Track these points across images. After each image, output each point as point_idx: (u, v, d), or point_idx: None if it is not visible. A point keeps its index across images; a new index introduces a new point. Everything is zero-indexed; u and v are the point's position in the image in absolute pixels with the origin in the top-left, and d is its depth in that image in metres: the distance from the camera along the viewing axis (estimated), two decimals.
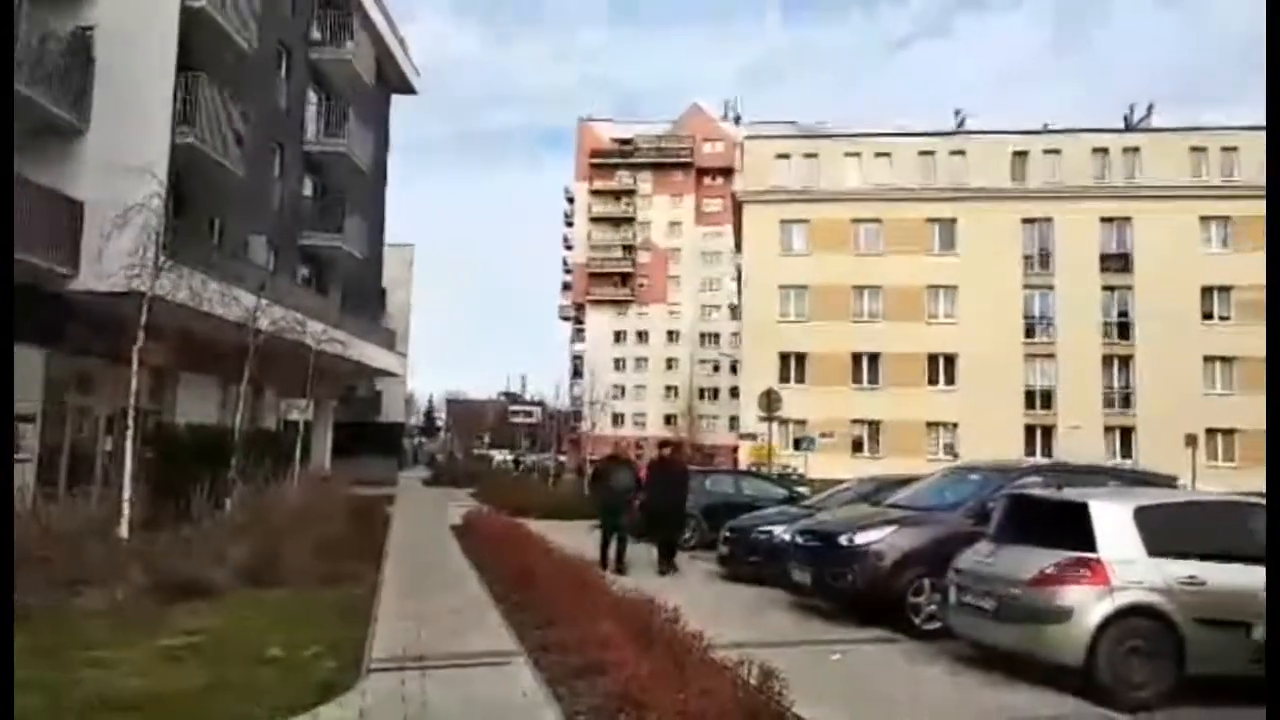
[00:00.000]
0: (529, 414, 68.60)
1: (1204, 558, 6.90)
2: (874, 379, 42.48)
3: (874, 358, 42.42)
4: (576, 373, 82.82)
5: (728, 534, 13.24)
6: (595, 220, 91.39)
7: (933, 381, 42.06)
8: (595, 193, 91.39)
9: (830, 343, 41.96)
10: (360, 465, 32.86)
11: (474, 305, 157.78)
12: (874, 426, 41.81)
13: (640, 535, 13.88)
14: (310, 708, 5.72)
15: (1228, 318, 40.62)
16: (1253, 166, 41.40)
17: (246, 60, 20.67)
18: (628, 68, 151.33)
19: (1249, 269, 39.18)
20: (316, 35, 28.08)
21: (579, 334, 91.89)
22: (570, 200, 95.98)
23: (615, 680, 5.45)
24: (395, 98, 36.38)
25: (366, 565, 12.16)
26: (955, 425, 40.91)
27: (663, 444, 14.33)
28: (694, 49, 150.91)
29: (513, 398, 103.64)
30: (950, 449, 39.48)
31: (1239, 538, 7.14)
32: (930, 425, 41.33)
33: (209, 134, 18.62)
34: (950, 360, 41.94)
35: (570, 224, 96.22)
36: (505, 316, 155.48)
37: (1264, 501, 8.68)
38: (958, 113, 48.92)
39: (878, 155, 44.04)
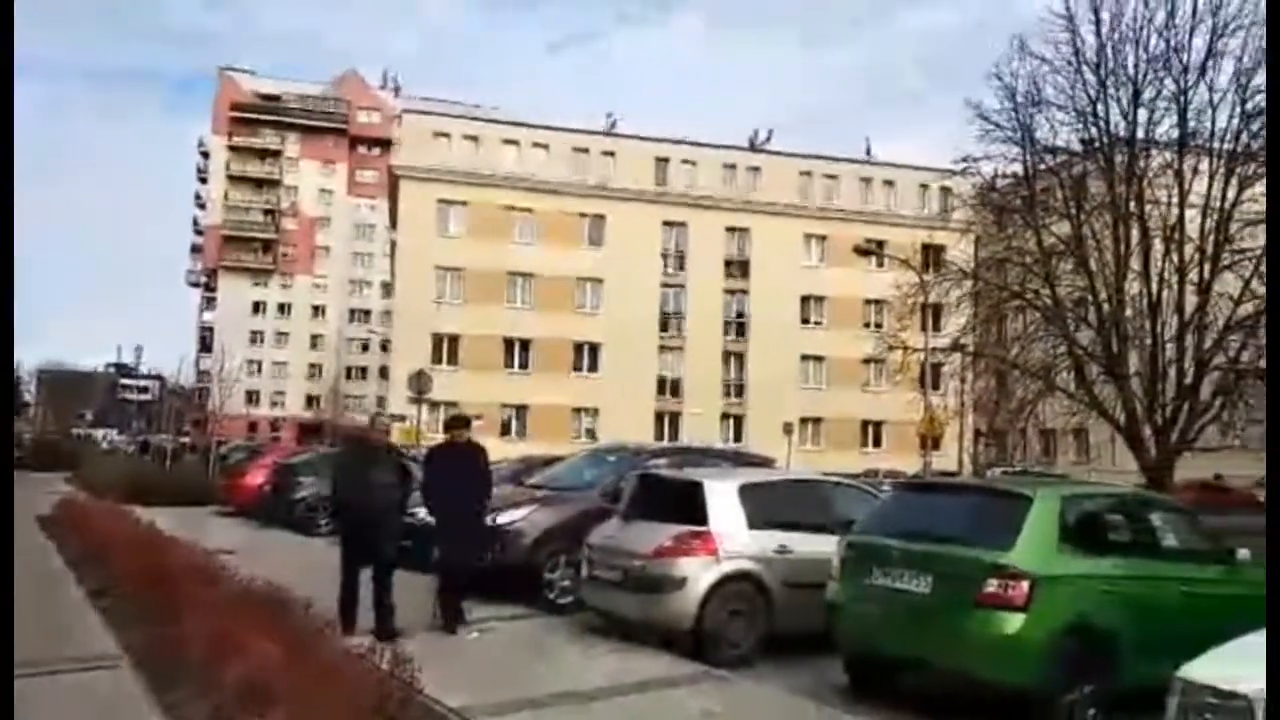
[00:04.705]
0: (144, 389, 60.93)
1: (792, 529, 7.94)
2: (524, 364, 43.64)
3: (525, 343, 43.56)
4: (205, 345, 75.16)
5: None
6: (233, 179, 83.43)
7: (578, 369, 44.20)
8: (235, 149, 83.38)
9: (483, 327, 42.34)
10: None
11: (79, 262, 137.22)
12: (522, 410, 42.93)
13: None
14: None
15: (820, 323, 47.28)
16: (850, 194, 48.59)
17: None
18: (278, 18, 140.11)
19: (839, 282, 45.96)
20: None
21: (210, 302, 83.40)
22: (205, 155, 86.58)
23: (235, 678, 5.09)
24: None
25: None
26: (597, 410, 43.31)
27: (452, 421, 8.90)
28: (356, 12, 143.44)
29: (124, 370, 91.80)
30: (591, 432, 41.71)
31: (820, 512, 8.33)
32: (575, 410, 43.35)
33: None
34: (595, 349, 44.32)
35: (204, 181, 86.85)
36: (119, 278, 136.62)
37: (841, 479, 10.27)
38: (609, 115, 51.64)
39: (535, 146, 45.16)
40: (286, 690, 4.70)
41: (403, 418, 33.17)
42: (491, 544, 8.61)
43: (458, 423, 8.78)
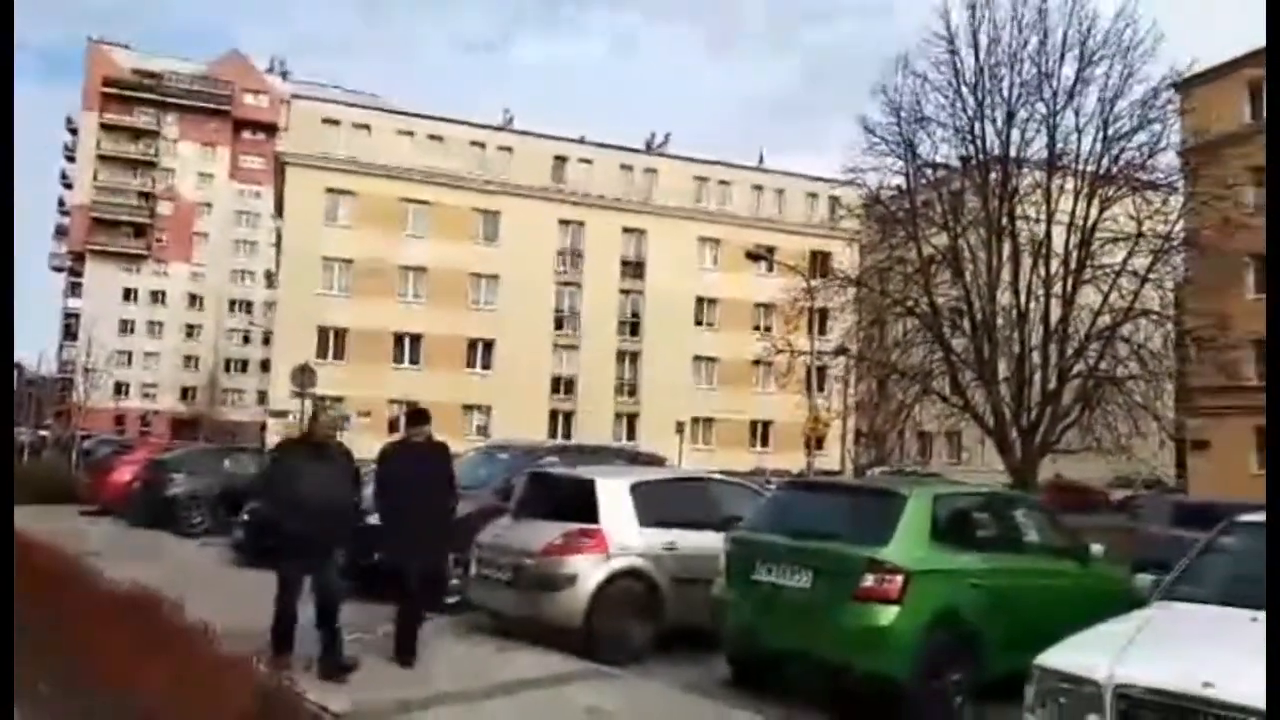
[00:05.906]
0: None
1: (682, 526, 8.05)
2: (415, 360, 42.77)
3: (416, 339, 42.70)
4: (70, 333, 70.70)
5: (246, 516, 12.42)
6: (105, 159, 78.71)
7: (471, 365, 43.65)
8: (107, 128, 78.67)
9: (372, 320, 41.31)
10: None
11: None
12: (411, 406, 42.01)
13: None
14: None
15: (713, 325, 48.06)
16: (742, 200, 49.55)
17: None
18: None
19: (732, 285, 46.85)
20: None
21: (75, 288, 78.44)
22: (73, 132, 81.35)
23: (99, 685, 4.85)
24: None
25: None
26: (490, 408, 42.83)
27: (412, 413, 7.86)
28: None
29: None
30: (484, 430, 41.21)
31: (709, 509, 8.48)
32: (467, 407, 42.74)
33: None
34: (488, 346, 43.82)
35: (72, 159, 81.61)
36: None
37: (729, 478, 10.50)
38: (506, 111, 51.20)
39: (430, 138, 44.33)
40: (158, 696, 4.51)
41: (285, 413, 32.10)
42: (460, 552, 8.31)
43: (416, 418, 7.67)
